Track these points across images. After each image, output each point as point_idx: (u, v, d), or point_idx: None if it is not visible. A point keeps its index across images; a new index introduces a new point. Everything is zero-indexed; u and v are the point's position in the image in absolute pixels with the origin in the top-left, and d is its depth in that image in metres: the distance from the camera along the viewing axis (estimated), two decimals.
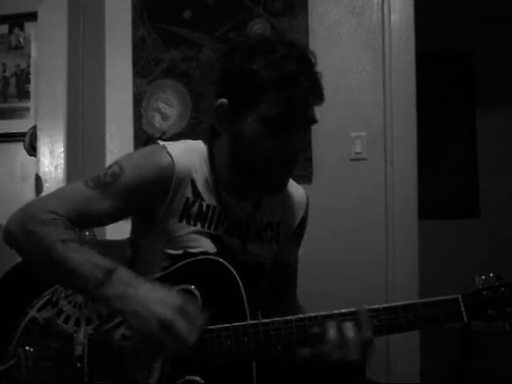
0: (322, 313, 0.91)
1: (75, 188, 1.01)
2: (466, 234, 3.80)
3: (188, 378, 0.90)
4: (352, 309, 0.90)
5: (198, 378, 0.89)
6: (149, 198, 1.02)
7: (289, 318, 0.91)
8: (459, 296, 0.89)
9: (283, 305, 1.19)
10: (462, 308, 0.88)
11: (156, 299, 0.83)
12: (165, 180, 1.00)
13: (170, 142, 1.05)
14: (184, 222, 1.03)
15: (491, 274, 0.90)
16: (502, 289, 0.88)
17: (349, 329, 0.87)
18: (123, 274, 0.86)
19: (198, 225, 1.04)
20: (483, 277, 0.90)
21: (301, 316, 0.91)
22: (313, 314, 0.91)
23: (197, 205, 1.04)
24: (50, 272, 0.93)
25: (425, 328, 0.90)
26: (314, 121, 1.02)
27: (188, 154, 1.04)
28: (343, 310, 0.90)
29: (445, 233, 3.80)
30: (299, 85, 0.94)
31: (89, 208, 0.98)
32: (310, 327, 0.89)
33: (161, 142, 1.05)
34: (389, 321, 0.90)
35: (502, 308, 0.88)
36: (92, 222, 1.03)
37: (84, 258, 0.87)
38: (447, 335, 2.46)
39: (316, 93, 0.98)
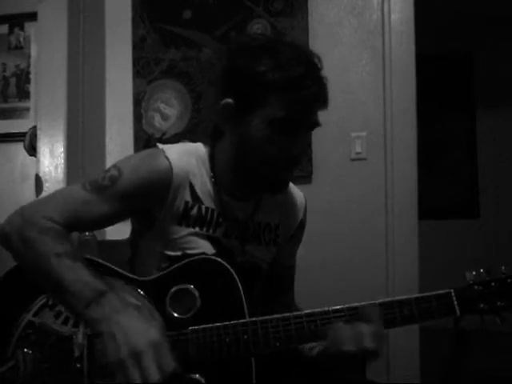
0: (329, 308, 0.92)
1: (73, 191, 1.00)
2: (466, 234, 3.81)
3: (187, 376, 0.90)
4: (358, 304, 0.92)
5: (197, 376, 0.89)
6: (147, 201, 1.02)
7: (287, 315, 0.92)
8: (451, 290, 0.91)
9: (286, 306, 1.18)
10: (455, 302, 0.90)
11: (136, 329, 0.81)
12: (163, 184, 1.00)
13: (169, 146, 1.05)
14: (183, 224, 1.03)
15: (481, 270, 0.93)
16: (493, 283, 0.91)
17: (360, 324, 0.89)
18: (112, 298, 0.85)
19: (197, 227, 1.04)
20: (474, 272, 0.93)
21: (299, 313, 0.92)
22: (318, 310, 0.92)
23: (196, 208, 1.04)
24: (41, 281, 0.92)
25: (419, 322, 0.91)
26: (317, 124, 1.03)
27: (186, 157, 1.04)
28: (352, 305, 0.92)
29: (445, 233, 3.80)
30: (306, 89, 0.95)
31: (87, 212, 0.98)
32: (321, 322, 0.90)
33: (160, 146, 1.05)
34: (385, 316, 0.91)
35: (493, 302, 0.91)
36: (90, 225, 1.03)
37: (76, 277, 0.86)
38: (447, 335, 2.46)
39: (322, 97, 0.98)
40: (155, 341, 0.80)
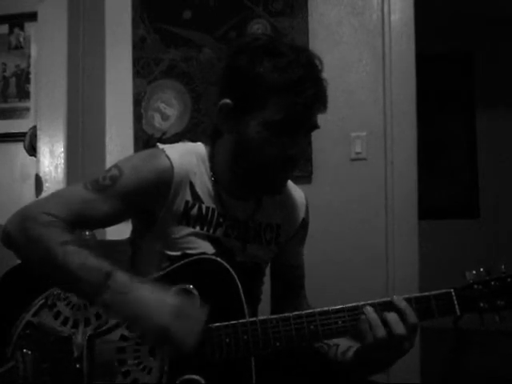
0: (328, 308, 0.92)
1: (74, 191, 1.01)
2: (466, 234, 3.80)
3: (187, 376, 0.90)
4: (358, 304, 0.92)
5: (197, 377, 0.89)
6: (148, 200, 1.02)
7: (287, 315, 0.92)
8: (451, 290, 0.92)
9: (298, 306, 1.18)
10: (455, 301, 0.91)
11: (153, 304, 0.84)
12: (164, 183, 1.00)
13: (169, 145, 1.06)
14: (183, 224, 1.03)
15: (481, 269, 0.93)
16: (493, 282, 0.92)
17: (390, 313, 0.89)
18: (119, 278, 0.86)
19: (197, 227, 1.04)
20: (474, 272, 0.94)
21: (298, 313, 0.92)
22: (318, 310, 0.92)
23: (196, 207, 1.04)
24: (48, 274, 0.93)
25: (420, 321, 0.91)
26: (316, 127, 1.03)
27: (187, 157, 1.04)
28: (352, 305, 0.92)
29: (445, 233, 3.80)
30: (305, 92, 0.94)
31: (88, 211, 0.98)
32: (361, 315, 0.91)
33: (160, 145, 1.05)
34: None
35: (493, 301, 0.91)
36: (91, 224, 1.04)
37: (82, 263, 0.87)
38: (447, 335, 2.46)
39: (321, 100, 0.98)
40: (175, 308, 0.84)
